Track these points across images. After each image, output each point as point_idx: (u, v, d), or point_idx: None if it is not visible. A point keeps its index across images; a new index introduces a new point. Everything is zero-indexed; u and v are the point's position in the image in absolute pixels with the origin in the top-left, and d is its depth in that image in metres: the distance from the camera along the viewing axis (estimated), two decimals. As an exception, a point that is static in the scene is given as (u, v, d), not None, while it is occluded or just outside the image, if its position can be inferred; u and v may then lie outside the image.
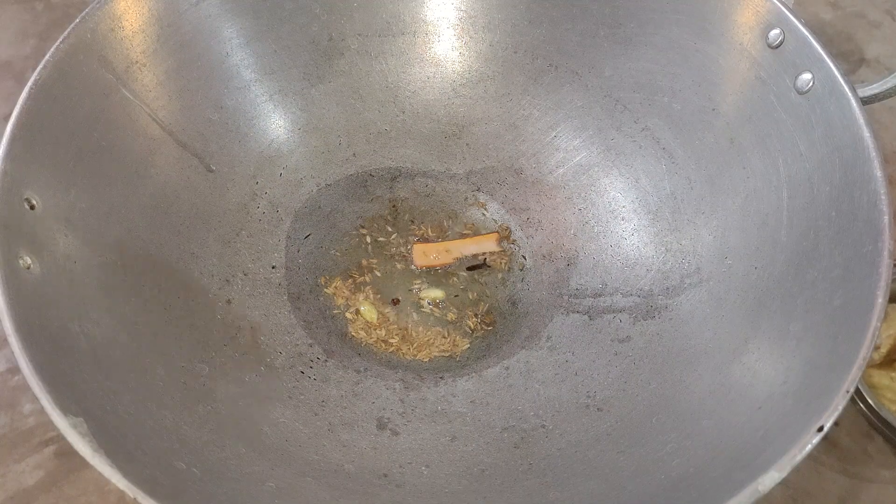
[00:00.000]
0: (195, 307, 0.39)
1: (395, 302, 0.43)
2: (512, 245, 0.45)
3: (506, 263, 0.44)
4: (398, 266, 0.44)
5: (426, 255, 0.44)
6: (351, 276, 0.44)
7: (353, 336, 0.41)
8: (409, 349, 0.41)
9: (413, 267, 0.44)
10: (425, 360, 0.41)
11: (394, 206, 0.47)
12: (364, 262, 0.44)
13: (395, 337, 0.42)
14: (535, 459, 0.35)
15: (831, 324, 0.31)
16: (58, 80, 0.34)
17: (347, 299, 0.43)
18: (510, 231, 0.46)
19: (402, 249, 0.45)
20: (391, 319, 0.42)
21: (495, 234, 0.45)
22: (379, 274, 0.44)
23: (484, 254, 0.45)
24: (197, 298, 0.39)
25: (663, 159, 0.43)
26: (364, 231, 0.45)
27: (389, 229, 0.46)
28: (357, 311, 0.42)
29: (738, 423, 0.31)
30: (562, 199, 0.46)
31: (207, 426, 0.33)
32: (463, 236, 0.46)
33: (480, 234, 0.45)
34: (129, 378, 0.32)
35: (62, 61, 0.35)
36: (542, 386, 0.39)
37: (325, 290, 0.43)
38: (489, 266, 0.44)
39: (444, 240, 0.45)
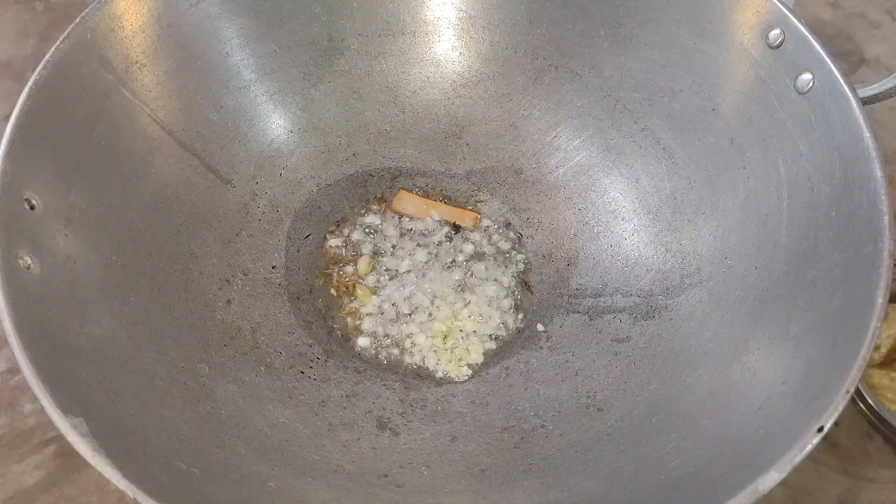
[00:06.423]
0: (195, 307, 0.39)
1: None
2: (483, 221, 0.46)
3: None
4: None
5: (404, 204, 0.46)
6: (341, 270, 0.44)
7: (350, 328, 0.42)
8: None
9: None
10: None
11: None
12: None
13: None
14: (535, 459, 0.35)
15: (831, 324, 0.31)
16: (58, 80, 0.34)
17: (343, 287, 0.43)
18: (508, 223, 0.46)
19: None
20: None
21: (476, 215, 0.46)
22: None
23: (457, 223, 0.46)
24: (197, 298, 0.39)
25: (663, 159, 0.43)
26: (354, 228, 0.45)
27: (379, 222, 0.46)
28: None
29: (738, 423, 0.31)
30: (562, 199, 0.46)
31: (207, 426, 0.33)
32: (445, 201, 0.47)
33: (463, 208, 0.46)
34: (129, 378, 0.32)
35: (62, 61, 0.34)
36: (542, 386, 0.39)
37: (328, 288, 0.43)
38: (463, 228, 0.45)
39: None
